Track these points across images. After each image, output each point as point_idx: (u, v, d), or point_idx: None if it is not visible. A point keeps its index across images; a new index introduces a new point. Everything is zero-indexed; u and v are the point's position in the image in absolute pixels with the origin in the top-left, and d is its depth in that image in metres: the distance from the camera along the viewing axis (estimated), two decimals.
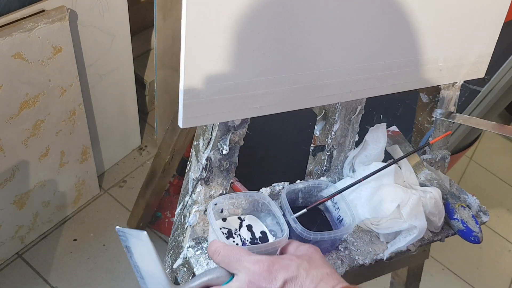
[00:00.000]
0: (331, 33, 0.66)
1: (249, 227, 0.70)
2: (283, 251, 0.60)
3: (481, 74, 0.83)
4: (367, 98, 0.77)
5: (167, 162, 1.28)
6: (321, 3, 0.62)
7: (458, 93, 0.86)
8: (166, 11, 1.48)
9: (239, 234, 0.68)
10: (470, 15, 0.75)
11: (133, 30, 1.62)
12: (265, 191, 0.77)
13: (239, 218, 0.71)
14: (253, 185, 0.80)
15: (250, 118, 0.68)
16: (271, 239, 0.69)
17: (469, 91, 1.19)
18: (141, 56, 1.92)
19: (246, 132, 0.71)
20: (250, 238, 0.69)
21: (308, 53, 0.66)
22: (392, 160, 0.79)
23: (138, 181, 1.72)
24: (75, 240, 1.55)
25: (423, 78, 0.77)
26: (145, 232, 0.52)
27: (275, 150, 1.48)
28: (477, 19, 0.76)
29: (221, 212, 0.70)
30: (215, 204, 0.66)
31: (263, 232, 0.69)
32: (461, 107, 1.23)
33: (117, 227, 0.57)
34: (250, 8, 0.58)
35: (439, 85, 0.83)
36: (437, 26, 0.73)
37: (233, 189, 1.38)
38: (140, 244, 0.54)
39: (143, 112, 1.92)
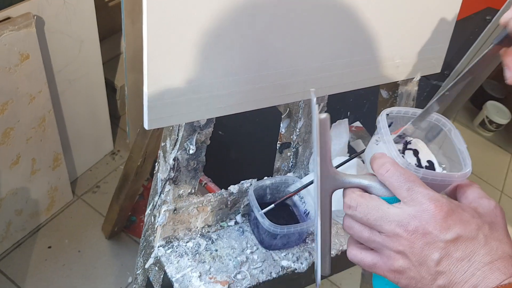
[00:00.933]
0: (292, 34, 0.68)
1: (415, 152, 0.60)
2: (458, 192, 0.50)
3: (437, 70, 0.87)
4: (334, 96, 0.80)
5: (139, 165, 1.29)
6: (281, 6, 0.65)
7: (416, 88, 0.89)
8: (135, 15, 1.48)
9: (403, 157, 0.56)
10: (424, 14, 0.79)
11: (102, 35, 1.62)
12: (233, 188, 0.79)
13: (403, 138, 0.60)
14: (227, 185, 0.82)
15: (222, 119, 0.70)
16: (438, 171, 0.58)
17: (430, 86, 1.24)
18: (111, 61, 1.91)
19: (219, 133, 0.72)
20: (415, 165, 0.58)
21: (269, 54, 0.68)
22: (354, 154, 0.82)
23: (111, 186, 1.72)
24: (49, 247, 1.54)
25: (381, 75, 0.81)
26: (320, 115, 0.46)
27: (248, 149, 1.50)
28: (430, 17, 0.80)
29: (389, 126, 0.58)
30: (387, 114, 0.55)
31: (430, 162, 0.59)
32: (423, 102, 1.27)
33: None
34: (211, 10, 0.60)
35: (398, 81, 0.86)
36: (393, 25, 0.77)
37: (207, 190, 1.39)
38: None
39: (115, 117, 1.92)
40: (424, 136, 0.59)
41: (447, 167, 0.57)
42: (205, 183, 1.48)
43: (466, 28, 1.15)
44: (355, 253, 0.48)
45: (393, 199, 0.46)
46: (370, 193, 0.48)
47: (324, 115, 0.46)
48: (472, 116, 2.59)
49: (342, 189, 0.49)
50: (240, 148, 1.49)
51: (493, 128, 2.49)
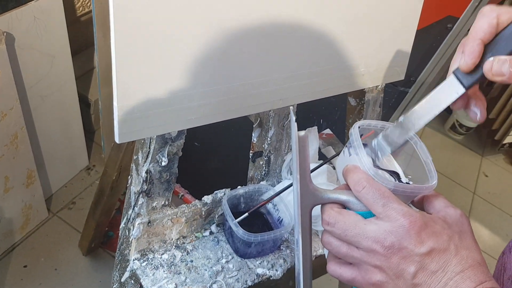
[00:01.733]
0: (259, 47, 0.70)
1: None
2: (425, 202, 0.52)
3: (401, 77, 0.90)
4: (306, 104, 0.82)
5: (114, 179, 1.28)
6: (247, 20, 0.67)
7: (382, 95, 0.92)
8: (106, 29, 1.49)
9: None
10: (385, 24, 0.82)
11: (74, 50, 1.62)
12: (207, 198, 0.80)
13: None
14: (203, 196, 0.82)
15: (197, 130, 0.71)
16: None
17: (398, 92, 1.27)
18: (84, 75, 1.91)
19: (195, 144, 0.73)
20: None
21: (238, 66, 0.70)
22: (324, 160, 0.84)
23: (87, 202, 1.70)
24: (25, 266, 1.52)
25: (347, 83, 0.83)
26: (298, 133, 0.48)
27: (224, 159, 1.51)
28: (391, 28, 0.83)
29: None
30: (359, 127, 0.56)
31: (395, 173, 0.59)
32: (392, 108, 1.31)
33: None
34: (180, 25, 0.61)
35: (364, 89, 0.89)
36: (356, 35, 0.79)
37: (184, 202, 1.40)
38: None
39: (90, 131, 1.90)
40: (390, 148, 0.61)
41: (412, 178, 0.59)
42: (182, 195, 1.49)
43: (429, 36, 1.19)
44: (334, 268, 0.51)
45: (369, 213, 0.48)
46: (348, 207, 0.50)
47: (303, 133, 0.48)
48: (443, 120, 2.65)
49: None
50: (216, 159, 1.50)
51: (464, 131, 2.56)
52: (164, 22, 0.60)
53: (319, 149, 0.92)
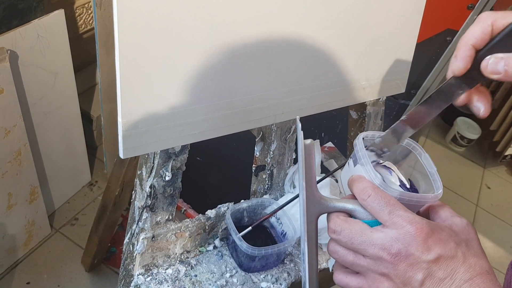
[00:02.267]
0: (260, 62, 0.71)
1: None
2: (431, 212, 0.52)
3: (402, 90, 0.91)
4: (308, 118, 0.82)
5: (117, 195, 1.29)
6: (249, 37, 0.68)
7: (383, 108, 0.93)
8: (109, 46, 1.51)
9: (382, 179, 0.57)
10: (385, 38, 0.83)
11: (77, 66, 1.64)
12: (210, 213, 0.80)
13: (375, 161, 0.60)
14: (207, 210, 0.82)
15: (199, 145, 0.71)
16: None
17: (399, 105, 1.28)
18: (86, 92, 1.92)
19: (197, 158, 0.73)
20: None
21: (240, 80, 0.71)
22: (327, 174, 0.84)
23: (90, 218, 1.70)
24: (28, 283, 1.51)
25: (349, 97, 0.84)
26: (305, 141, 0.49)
27: (226, 173, 1.51)
28: (391, 41, 0.84)
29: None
30: (363, 138, 0.56)
31: (401, 182, 0.59)
32: (393, 120, 1.31)
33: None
34: (182, 42, 0.62)
35: (365, 102, 0.90)
36: (357, 49, 0.80)
37: (187, 217, 1.40)
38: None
39: (92, 147, 1.91)
40: (393, 159, 0.61)
41: (417, 188, 0.60)
42: (185, 210, 1.49)
43: (429, 49, 1.20)
44: (341, 277, 0.50)
45: (375, 222, 0.48)
46: (354, 216, 0.50)
47: (309, 141, 0.49)
48: (444, 133, 2.66)
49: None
50: (218, 173, 1.50)
51: (465, 143, 2.56)
52: (167, 39, 0.61)
53: (322, 162, 0.92)
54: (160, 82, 0.63)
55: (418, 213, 0.54)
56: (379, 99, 0.91)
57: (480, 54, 0.47)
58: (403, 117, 0.54)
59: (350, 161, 0.55)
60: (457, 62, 0.48)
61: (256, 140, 0.85)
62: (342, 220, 0.49)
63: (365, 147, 0.54)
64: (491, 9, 1.08)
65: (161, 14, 0.59)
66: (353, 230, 0.48)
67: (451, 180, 2.39)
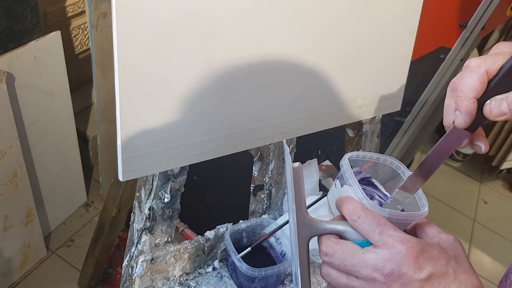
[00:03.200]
0: (257, 83, 0.72)
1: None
2: (418, 229, 0.53)
3: (398, 108, 0.92)
4: (304, 136, 0.83)
5: (114, 216, 1.28)
6: (245, 59, 0.68)
7: (379, 126, 0.94)
8: (105, 67, 1.51)
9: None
10: (380, 57, 0.84)
11: (73, 87, 1.64)
12: (209, 234, 0.80)
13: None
14: (204, 230, 0.82)
15: (196, 164, 0.71)
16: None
17: (394, 122, 1.29)
18: (82, 112, 1.92)
19: (194, 177, 0.73)
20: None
21: (238, 101, 0.71)
22: (324, 193, 0.84)
23: (86, 239, 1.69)
24: None
25: (345, 116, 0.85)
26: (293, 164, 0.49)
27: (224, 193, 1.51)
28: (386, 60, 0.85)
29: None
30: (349, 158, 0.56)
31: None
32: (389, 137, 1.32)
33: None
34: (181, 63, 0.63)
35: (361, 120, 0.90)
36: (351, 69, 0.81)
37: (184, 237, 1.39)
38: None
39: (88, 168, 1.91)
40: (379, 179, 0.62)
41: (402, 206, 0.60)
42: (182, 230, 1.48)
43: (423, 67, 1.22)
44: None
45: (366, 243, 0.48)
46: (344, 238, 0.50)
47: (297, 164, 0.49)
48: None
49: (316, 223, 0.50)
50: (216, 193, 1.50)
51: (461, 158, 2.57)
52: (166, 62, 0.61)
53: (319, 180, 0.92)
54: (159, 104, 0.63)
55: (405, 231, 0.54)
56: (375, 117, 0.91)
57: (479, 101, 0.48)
58: (415, 170, 0.54)
59: (337, 182, 0.56)
60: (463, 117, 0.48)
61: (254, 159, 0.85)
62: (333, 243, 0.49)
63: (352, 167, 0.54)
64: (483, 28, 1.10)
65: (160, 38, 0.60)
66: (345, 252, 0.48)
67: (448, 195, 2.39)
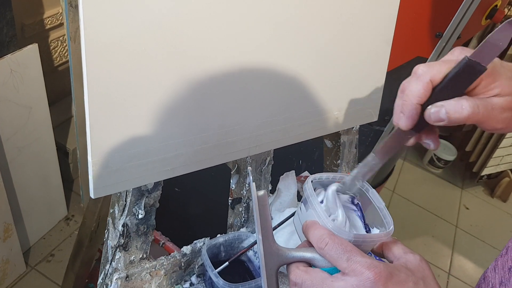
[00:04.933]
0: (232, 95, 0.71)
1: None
2: (384, 249, 0.53)
3: (375, 118, 0.92)
4: (286, 146, 0.83)
5: (93, 230, 1.26)
6: (217, 70, 0.68)
7: (357, 136, 0.94)
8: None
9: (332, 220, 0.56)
10: (356, 68, 0.84)
11: (52, 99, 1.62)
12: (186, 249, 0.79)
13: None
14: (186, 243, 0.81)
15: (178, 176, 0.70)
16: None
17: (374, 131, 1.30)
18: (62, 124, 1.90)
19: (175, 189, 0.72)
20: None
21: (212, 115, 0.71)
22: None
23: (66, 254, 1.66)
24: None
25: (322, 127, 0.85)
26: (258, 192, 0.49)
27: (206, 204, 1.50)
28: (362, 71, 0.86)
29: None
30: (312, 181, 0.56)
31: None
32: (369, 146, 1.33)
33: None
34: (152, 76, 0.62)
35: (339, 131, 0.91)
36: (327, 80, 0.81)
37: (166, 251, 1.37)
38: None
39: (68, 181, 1.88)
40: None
41: (372, 225, 0.60)
42: (163, 243, 1.46)
43: (400, 77, 1.22)
44: None
45: (334, 269, 0.48)
46: (313, 265, 0.50)
47: (262, 192, 0.49)
48: (421, 155, 2.69)
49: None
50: (198, 204, 1.49)
51: (442, 164, 2.59)
52: (137, 75, 0.61)
53: (298, 192, 0.92)
54: (131, 119, 0.63)
55: (372, 250, 0.55)
56: (353, 128, 0.92)
57: (424, 105, 0.49)
58: (360, 164, 0.55)
59: (302, 205, 0.55)
60: (405, 120, 0.50)
61: (232, 173, 0.84)
62: (302, 271, 0.49)
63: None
64: (458, 37, 1.11)
65: (130, 51, 0.59)
66: (314, 281, 0.47)
67: (430, 201, 2.41)
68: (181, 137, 0.69)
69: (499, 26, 0.48)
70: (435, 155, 2.57)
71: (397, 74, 1.21)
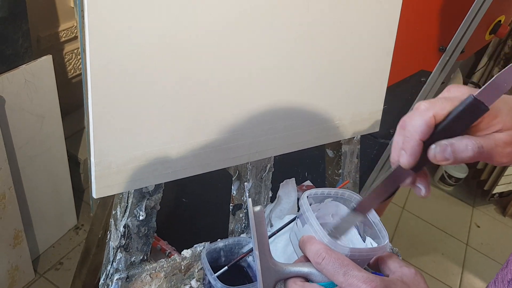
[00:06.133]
0: (235, 101, 0.73)
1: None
2: (380, 263, 0.54)
3: (376, 129, 0.93)
4: (291, 158, 0.84)
5: (100, 237, 1.28)
6: (219, 77, 0.70)
7: (358, 146, 0.95)
8: None
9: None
10: (357, 78, 0.86)
11: (66, 110, 1.66)
12: (186, 252, 0.80)
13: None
14: (185, 247, 0.82)
15: (185, 187, 0.72)
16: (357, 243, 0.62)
17: (379, 144, 1.30)
18: (75, 135, 1.94)
19: (182, 200, 0.74)
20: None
21: (213, 120, 0.73)
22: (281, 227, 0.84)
23: (75, 262, 1.68)
24: None
25: (323, 136, 0.86)
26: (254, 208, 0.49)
27: (207, 210, 1.51)
28: (363, 81, 0.87)
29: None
30: (307, 196, 0.57)
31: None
32: (374, 160, 1.33)
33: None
34: (154, 81, 0.64)
35: (340, 141, 0.92)
36: (329, 89, 0.83)
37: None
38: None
39: (79, 191, 1.91)
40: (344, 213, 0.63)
41: (365, 239, 0.61)
42: (169, 252, 1.47)
43: (405, 90, 1.24)
44: None
45: (331, 284, 0.49)
46: (310, 280, 0.51)
47: (258, 208, 0.49)
48: (432, 172, 2.68)
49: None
50: (200, 211, 1.50)
51: (453, 182, 2.57)
52: (139, 79, 0.63)
53: (298, 199, 0.93)
54: (133, 121, 0.65)
55: (368, 265, 0.55)
56: (353, 138, 0.93)
57: (425, 143, 0.48)
58: (353, 206, 0.55)
59: (298, 221, 0.56)
60: (408, 157, 0.48)
61: (233, 179, 0.86)
62: (299, 286, 0.49)
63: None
64: (462, 51, 1.12)
65: (133, 56, 0.61)
66: None
67: (440, 219, 2.39)
68: (182, 141, 0.71)
69: (507, 68, 0.47)
70: (446, 172, 2.56)
71: (402, 87, 1.22)
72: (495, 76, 0.47)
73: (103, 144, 0.63)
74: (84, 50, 1.43)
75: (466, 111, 0.47)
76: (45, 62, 1.41)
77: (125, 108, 0.63)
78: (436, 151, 0.47)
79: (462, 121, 0.48)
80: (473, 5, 1.05)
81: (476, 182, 2.62)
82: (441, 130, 0.48)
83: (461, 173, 2.55)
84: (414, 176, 0.52)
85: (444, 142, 0.47)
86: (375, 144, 1.30)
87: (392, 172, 0.52)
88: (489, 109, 0.47)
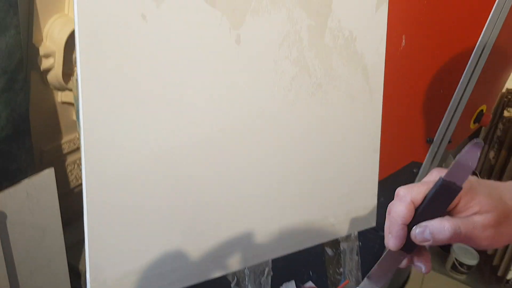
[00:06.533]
0: (227, 208, 0.75)
1: None
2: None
3: (373, 223, 0.93)
4: (294, 259, 0.83)
5: None
6: (215, 184, 0.72)
7: (357, 243, 0.94)
8: None
9: None
10: (348, 176, 0.88)
11: (67, 221, 1.66)
12: None
13: None
14: None
15: None
16: None
17: (380, 237, 1.29)
18: (76, 245, 1.92)
19: None
20: None
21: (207, 227, 0.73)
22: None
23: None
24: None
25: (319, 235, 0.86)
26: None
27: None
28: (354, 179, 0.89)
29: None
30: None
31: None
32: (377, 254, 1.31)
33: None
34: (147, 194, 0.66)
35: (338, 238, 0.91)
36: (321, 189, 0.85)
37: None
38: None
39: None
40: None
41: None
42: None
43: (399, 181, 1.25)
44: None
45: None
46: None
47: None
48: (443, 261, 2.60)
49: None
50: None
51: (465, 270, 2.49)
52: (133, 197, 0.65)
53: None
54: (127, 236, 0.66)
55: None
56: (351, 234, 0.93)
57: (409, 226, 0.51)
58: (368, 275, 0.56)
59: None
60: (393, 240, 0.52)
61: (232, 286, 0.84)
62: None
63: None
64: (449, 142, 1.16)
65: (127, 174, 0.64)
66: None
67: None
68: (176, 252, 0.71)
69: (465, 148, 0.50)
70: (457, 260, 2.48)
71: (394, 179, 1.24)
72: (457, 156, 0.50)
73: (98, 260, 0.64)
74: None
75: (439, 193, 0.50)
76: (47, 175, 1.45)
77: (120, 223, 0.65)
78: (416, 232, 0.50)
79: (438, 203, 0.50)
80: (453, 97, 1.10)
81: (489, 268, 2.54)
82: (421, 213, 0.50)
83: (472, 260, 2.48)
84: (412, 257, 0.53)
85: (423, 223, 0.50)
86: (376, 238, 1.29)
87: (385, 255, 0.54)
88: (462, 188, 0.49)
